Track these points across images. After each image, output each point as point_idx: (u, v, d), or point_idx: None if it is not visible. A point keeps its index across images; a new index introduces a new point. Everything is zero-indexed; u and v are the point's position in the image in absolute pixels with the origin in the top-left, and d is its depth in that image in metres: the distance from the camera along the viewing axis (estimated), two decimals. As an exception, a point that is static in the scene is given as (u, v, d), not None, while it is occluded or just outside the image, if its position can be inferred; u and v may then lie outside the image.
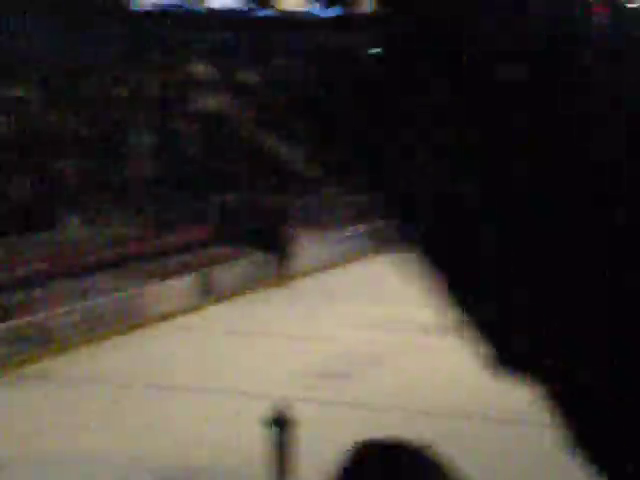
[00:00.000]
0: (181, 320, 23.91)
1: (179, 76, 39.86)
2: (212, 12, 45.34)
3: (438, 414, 16.74)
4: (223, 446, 14.95)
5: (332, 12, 46.24)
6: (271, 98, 40.06)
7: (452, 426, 16.04)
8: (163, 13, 43.81)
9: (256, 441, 14.84)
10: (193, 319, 24.16)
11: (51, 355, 20.32)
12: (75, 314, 21.32)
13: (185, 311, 24.45)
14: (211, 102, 38.83)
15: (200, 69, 41.17)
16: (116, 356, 20.63)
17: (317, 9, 46.59)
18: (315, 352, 20.73)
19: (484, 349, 1.08)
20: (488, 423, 16.37)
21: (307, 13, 46.35)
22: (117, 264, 24.97)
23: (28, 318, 20.38)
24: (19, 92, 32.21)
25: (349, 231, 33.68)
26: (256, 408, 16.92)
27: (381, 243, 34.89)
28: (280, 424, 13.09)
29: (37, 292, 21.62)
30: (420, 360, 20.09)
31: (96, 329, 21.69)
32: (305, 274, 29.81)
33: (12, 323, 19.99)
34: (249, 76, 42.51)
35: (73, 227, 26.35)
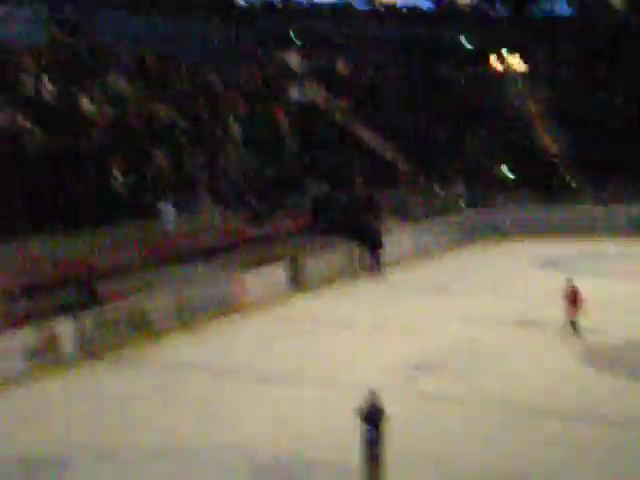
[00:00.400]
0: (274, 309, 24.09)
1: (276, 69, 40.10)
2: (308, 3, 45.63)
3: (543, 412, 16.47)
4: (321, 436, 15.01)
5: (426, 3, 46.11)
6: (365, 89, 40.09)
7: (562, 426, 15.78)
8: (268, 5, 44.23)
9: (352, 432, 14.90)
10: (285, 309, 24.31)
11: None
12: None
13: (277, 300, 24.62)
14: (307, 94, 38.94)
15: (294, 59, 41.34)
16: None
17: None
18: (411, 345, 20.60)
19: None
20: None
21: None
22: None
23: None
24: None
25: (439, 222, 33.44)
26: (353, 398, 17.00)
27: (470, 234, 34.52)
28: (372, 419, 13.04)
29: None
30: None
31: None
32: (397, 264, 29.69)
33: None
34: (343, 67, 42.52)
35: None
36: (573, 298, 20.42)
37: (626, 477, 13.62)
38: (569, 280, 20.64)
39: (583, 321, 20.93)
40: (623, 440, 14.95)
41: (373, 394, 13.22)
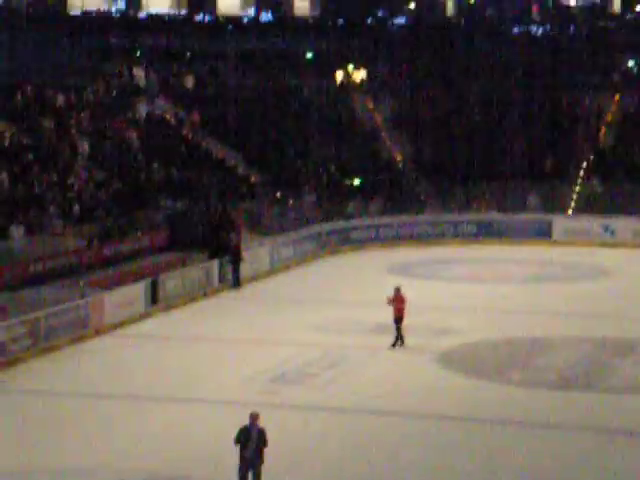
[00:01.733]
0: (134, 328, 23.77)
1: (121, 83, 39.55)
2: (152, 17, 45.17)
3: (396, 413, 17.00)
4: (185, 452, 14.97)
5: (266, 16, 46.48)
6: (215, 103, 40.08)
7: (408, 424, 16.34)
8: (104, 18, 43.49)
9: (218, 448, 14.94)
10: (145, 326, 24.03)
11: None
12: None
13: (136, 318, 24.30)
14: (156, 108, 38.59)
15: (141, 75, 40.87)
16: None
17: (252, 13, 46.73)
18: (270, 356, 20.82)
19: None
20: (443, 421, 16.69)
21: (242, 17, 46.47)
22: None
23: None
24: None
25: (294, 234, 33.85)
26: (216, 413, 17.04)
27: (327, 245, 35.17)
28: (252, 441, 12.93)
29: None
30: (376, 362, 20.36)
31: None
32: (255, 278, 29.90)
33: None
34: (190, 80, 42.38)
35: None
36: (398, 303, 21.04)
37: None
38: (397, 288, 21.23)
39: (434, 323, 21.80)
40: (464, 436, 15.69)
41: (254, 415, 13.13)
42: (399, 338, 20.97)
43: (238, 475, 12.99)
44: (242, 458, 13.00)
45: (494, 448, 15.30)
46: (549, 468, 14.39)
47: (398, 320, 20.93)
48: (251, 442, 12.90)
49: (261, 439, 13.04)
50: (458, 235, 37.76)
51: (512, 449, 15.24)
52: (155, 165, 33.65)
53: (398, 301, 20.99)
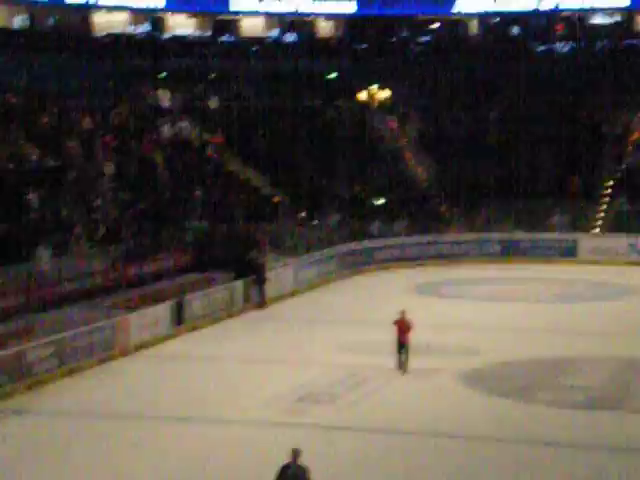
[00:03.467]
0: (159, 348, 23.83)
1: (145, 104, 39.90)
2: (176, 38, 45.53)
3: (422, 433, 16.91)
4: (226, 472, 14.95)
5: (290, 36, 46.75)
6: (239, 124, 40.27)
7: (435, 444, 16.25)
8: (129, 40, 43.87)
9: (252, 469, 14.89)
10: (170, 347, 24.08)
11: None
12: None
13: (161, 339, 24.36)
14: (179, 129, 38.84)
15: (165, 96, 41.19)
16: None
17: (276, 33, 47.02)
18: (295, 376, 20.79)
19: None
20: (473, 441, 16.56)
21: (267, 38, 46.76)
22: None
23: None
24: None
25: (318, 254, 33.87)
26: (240, 434, 17.02)
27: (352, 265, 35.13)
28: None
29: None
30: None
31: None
32: (281, 298, 29.92)
33: None
34: (214, 101, 42.63)
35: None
36: (402, 326, 20.72)
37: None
38: (401, 312, 20.93)
39: (460, 342, 21.67)
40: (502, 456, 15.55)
41: (296, 452, 12.05)
42: (400, 363, 20.52)
43: None
44: None
45: (521, 467, 15.16)
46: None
47: (398, 344, 20.55)
48: None
49: (304, 478, 11.89)
50: (483, 254, 37.62)
51: (539, 468, 15.10)
52: (178, 185, 33.85)
53: (398, 325, 20.71)
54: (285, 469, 11.89)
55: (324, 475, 14.90)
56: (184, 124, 39.06)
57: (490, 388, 19.76)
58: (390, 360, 21.73)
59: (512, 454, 15.87)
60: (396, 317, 20.88)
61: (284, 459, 12.17)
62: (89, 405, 19.18)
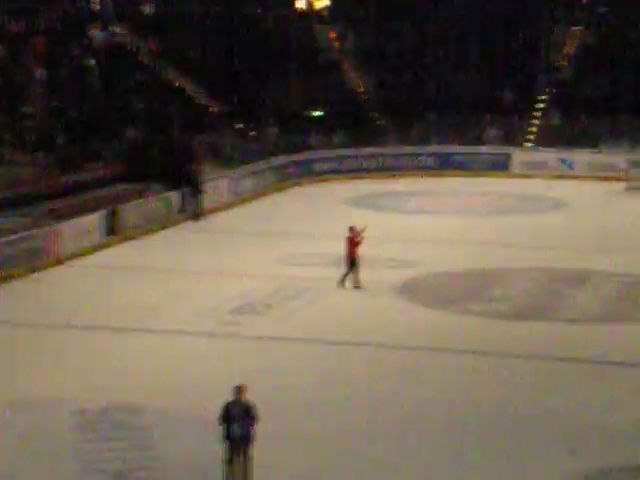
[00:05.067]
0: (92, 258, 23.66)
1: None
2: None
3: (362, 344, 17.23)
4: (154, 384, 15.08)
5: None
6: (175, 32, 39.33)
7: (369, 354, 16.59)
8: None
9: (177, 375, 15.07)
10: (104, 258, 23.93)
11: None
12: None
13: (94, 249, 24.17)
14: (111, 35, 37.80)
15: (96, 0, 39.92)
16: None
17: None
18: (231, 288, 20.88)
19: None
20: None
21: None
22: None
23: None
24: None
25: (257, 166, 33.67)
26: (175, 344, 17.14)
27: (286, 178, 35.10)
28: (239, 418, 11.13)
29: None
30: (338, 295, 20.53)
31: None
32: (217, 210, 29.80)
33: None
34: (148, 7, 41.51)
35: None
36: (350, 242, 20.78)
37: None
38: (351, 227, 20.96)
39: (394, 255, 21.99)
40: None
41: (240, 388, 11.35)
42: (350, 278, 20.64)
43: (224, 459, 11.27)
44: (228, 439, 11.19)
45: (450, 376, 15.57)
46: (506, 396, 14.70)
47: (354, 254, 20.62)
48: (238, 420, 11.09)
49: (250, 415, 11.17)
50: (419, 167, 37.89)
51: (469, 378, 15.53)
52: (111, 93, 33.13)
53: (348, 240, 20.76)
54: (230, 406, 11.27)
55: (260, 385, 15.15)
56: (117, 29, 38.02)
57: (422, 299, 20.14)
58: (327, 272, 21.95)
59: (442, 363, 16.27)
60: (340, 230, 21.01)
61: (227, 396, 11.39)
62: (15, 314, 19.03)
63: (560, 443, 12.87)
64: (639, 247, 24.87)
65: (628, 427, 13.40)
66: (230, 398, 11.39)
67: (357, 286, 20.51)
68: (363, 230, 20.74)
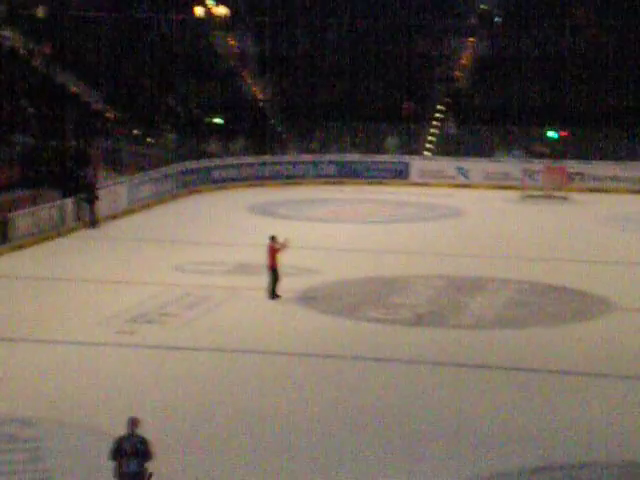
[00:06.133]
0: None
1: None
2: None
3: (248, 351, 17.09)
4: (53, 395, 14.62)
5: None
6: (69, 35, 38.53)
7: (266, 361, 16.47)
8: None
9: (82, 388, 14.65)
10: (-6, 267, 23.18)
11: None
12: None
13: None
14: (2, 38, 36.74)
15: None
16: None
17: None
18: (128, 297, 20.47)
19: None
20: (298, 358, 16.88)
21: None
22: None
23: None
24: None
25: (156, 172, 33.23)
26: (70, 354, 16.68)
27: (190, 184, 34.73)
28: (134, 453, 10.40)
29: None
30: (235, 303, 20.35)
31: None
32: (114, 217, 29.25)
33: None
34: (40, 11, 40.55)
35: None
36: (272, 251, 20.64)
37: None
38: (272, 237, 20.85)
39: (294, 262, 21.95)
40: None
41: (134, 421, 10.63)
42: (277, 278, 20.41)
43: None
44: (119, 477, 10.48)
45: (348, 383, 15.58)
46: (401, 401, 14.79)
47: (274, 264, 20.31)
48: (131, 455, 10.39)
49: (144, 451, 10.46)
50: (319, 175, 38.05)
51: (365, 384, 15.56)
52: (5, 97, 32.20)
53: (271, 249, 20.54)
54: (122, 441, 10.52)
55: (153, 395, 14.83)
56: (8, 33, 36.98)
57: (322, 307, 20.13)
58: (226, 280, 21.77)
59: (339, 371, 16.27)
60: (240, 238, 20.78)
61: (121, 430, 10.67)
62: None
63: (451, 447, 13.01)
64: (534, 254, 25.49)
65: (511, 431, 13.60)
66: (123, 432, 10.63)
67: (276, 295, 20.24)
68: (284, 243, 20.45)
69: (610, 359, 16.71)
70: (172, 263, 23.46)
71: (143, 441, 10.52)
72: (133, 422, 10.64)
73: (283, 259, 20.58)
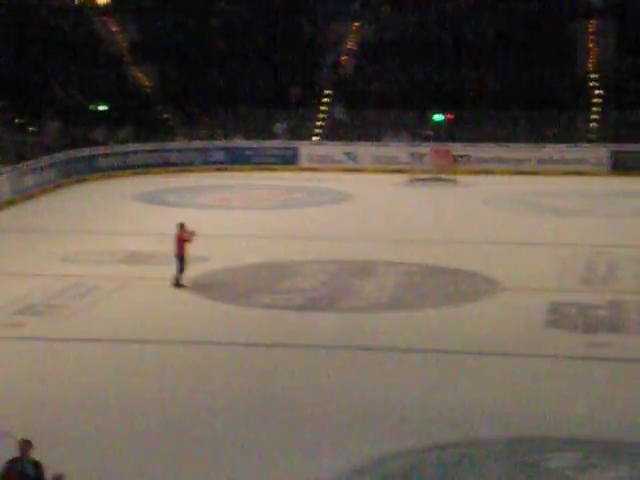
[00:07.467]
0: None
1: None
2: None
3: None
4: None
5: None
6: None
7: (158, 350, 16.33)
8: None
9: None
10: None
11: None
12: None
13: None
14: None
15: None
16: None
17: None
18: (14, 289, 19.92)
19: None
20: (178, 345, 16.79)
21: None
22: None
23: None
24: None
25: (39, 162, 32.38)
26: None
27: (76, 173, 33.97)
28: None
29: None
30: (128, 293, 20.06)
31: None
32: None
33: None
34: None
35: None
36: (180, 239, 20.44)
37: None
38: (180, 224, 20.60)
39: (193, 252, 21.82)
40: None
41: (25, 444, 9.53)
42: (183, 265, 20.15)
43: None
44: None
45: (243, 370, 15.57)
46: (298, 385, 14.87)
47: (181, 251, 20.00)
48: None
49: (36, 475, 9.41)
50: (208, 162, 37.77)
51: (260, 370, 15.59)
52: None
53: (179, 236, 20.21)
54: (12, 464, 9.47)
55: (45, 389, 14.51)
56: None
57: (212, 294, 20.04)
58: (114, 269, 21.43)
59: (231, 357, 16.25)
60: (127, 227, 20.47)
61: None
62: None
63: (352, 429, 13.17)
64: (422, 237, 25.95)
65: (405, 412, 13.84)
66: (13, 455, 9.62)
67: (181, 284, 19.97)
68: (192, 233, 20.18)
69: (496, 337, 17.20)
70: (59, 254, 22.94)
71: (37, 465, 9.49)
72: (26, 444, 9.55)
73: (173, 247, 20.37)
